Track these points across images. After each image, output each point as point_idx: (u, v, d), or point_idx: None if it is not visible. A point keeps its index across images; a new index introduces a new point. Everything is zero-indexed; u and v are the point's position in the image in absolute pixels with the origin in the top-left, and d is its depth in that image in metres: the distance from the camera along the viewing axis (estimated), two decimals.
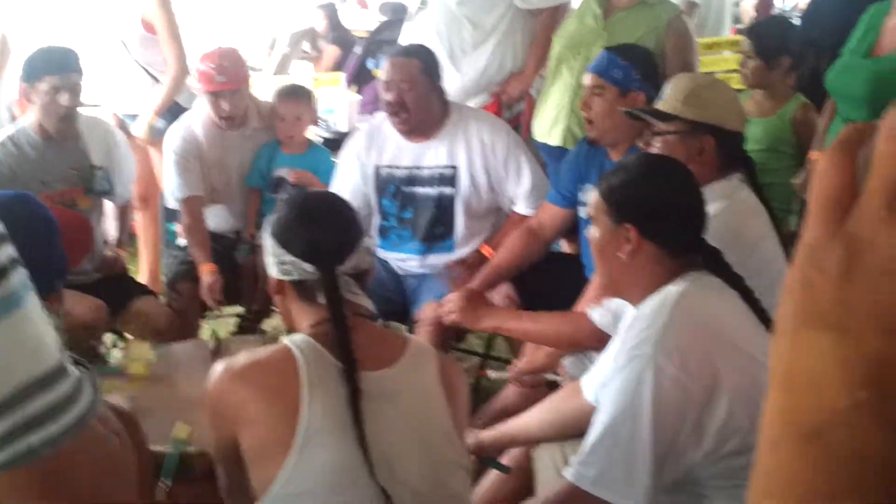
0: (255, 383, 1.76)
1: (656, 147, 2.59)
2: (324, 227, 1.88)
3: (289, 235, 1.87)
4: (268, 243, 1.91)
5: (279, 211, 1.95)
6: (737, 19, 7.78)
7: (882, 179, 0.42)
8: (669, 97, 2.67)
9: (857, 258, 0.42)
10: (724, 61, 5.27)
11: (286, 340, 1.82)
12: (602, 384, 2.05)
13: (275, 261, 1.88)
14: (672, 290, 1.95)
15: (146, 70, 4.66)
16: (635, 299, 2.04)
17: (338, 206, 2.00)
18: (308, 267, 1.83)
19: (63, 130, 3.58)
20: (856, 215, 0.43)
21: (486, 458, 2.46)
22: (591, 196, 2.12)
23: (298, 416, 1.71)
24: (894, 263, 0.41)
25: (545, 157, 4.22)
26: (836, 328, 0.43)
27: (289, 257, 1.85)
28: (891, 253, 0.41)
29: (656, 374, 1.83)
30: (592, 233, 2.11)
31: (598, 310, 2.47)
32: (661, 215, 2.03)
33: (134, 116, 4.66)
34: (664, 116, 2.63)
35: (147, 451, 1.77)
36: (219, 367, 1.80)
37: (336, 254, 1.85)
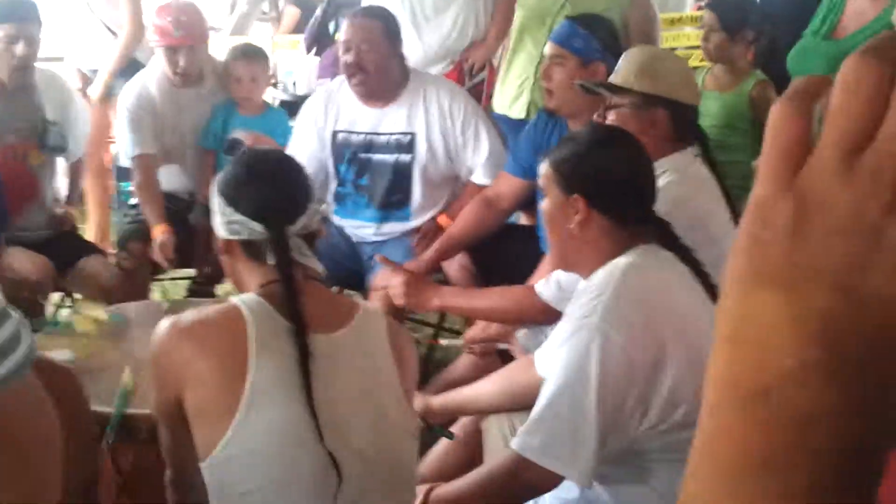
0: (201, 341, 1.73)
1: (610, 120, 2.59)
2: (273, 186, 1.85)
3: (237, 194, 1.83)
4: (216, 202, 1.86)
5: (228, 169, 1.91)
6: None
7: (836, 132, 0.41)
8: (623, 70, 2.67)
9: (808, 215, 0.41)
10: (685, 37, 5.28)
11: (235, 299, 1.78)
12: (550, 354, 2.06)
13: (223, 220, 1.84)
14: (621, 261, 1.96)
15: (108, 27, 4.57)
16: (585, 272, 2.04)
17: (288, 165, 1.96)
18: (257, 226, 1.80)
19: (18, 81, 3.52)
20: (808, 171, 0.41)
21: (432, 424, 2.46)
22: (541, 167, 2.11)
23: (246, 376, 1.68)
24: (847, 221, 0.40)
25: (505, 128, 4.19)
26: (785, 286, 0.41)
27: (237, 216, 1.81)
28: (843, 211, 0.40)
29: (603, 344, 1.84)
30: (543, 204, 2.11)
31: (544, 284, 2.46)
32: (609, 186, 2.03)
33: (97, 72, 4.59)
34: (617, 90, 2.63)
35: (87, 410, 1.73)
36: (165, 324, 1.76)
37: (285, 213, 1.81)
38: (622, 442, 1.89)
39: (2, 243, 1.71)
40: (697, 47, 4.30)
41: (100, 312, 3.00)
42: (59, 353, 2.57)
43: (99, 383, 2.37)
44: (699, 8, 6.52)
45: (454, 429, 2.51)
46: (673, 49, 4.54)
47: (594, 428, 1.83)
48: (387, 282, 2.94)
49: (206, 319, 1.77)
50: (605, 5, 3.73)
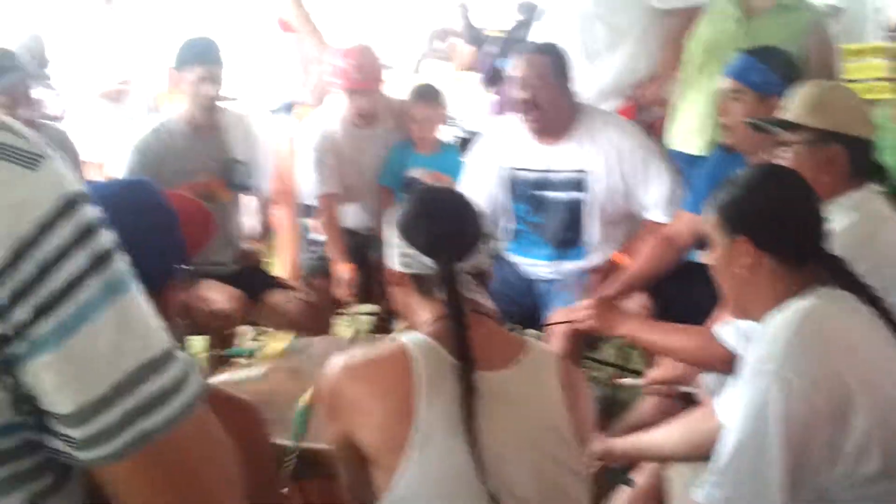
0: (369, 380, 1.76)
1: (783, 158, 2.51)
2: (446, 222, 1.88)
3: (411, 228, 1.87)
4: (391, 234, 1.91)
5: (404, 204, 1.95)
6: (882, 26, 7.45)
7: None
8: (795, 105, 2.57)
9: None
10: (870, 68, 5.07)
11: (403, 338, 1.81)
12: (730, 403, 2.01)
13: (396, 252, 1.88)
14: (799, 304, 1.90)
15: (283, 67, 4.77)
16: (759, 316, 1.99)
17: (461, 202, 1.97)
18: (428, 261, 1.83)
19: (207, 121, 3.71)
20: None
21: (612, 468, 2.44)
22: (705, 216, 2.08)
23: (413, 416, 1.69)
24: None
25: (682, 165, 4.13)
26: None
27: (410, 250, 1.85)
28: None
29: (783, 390, 1.78)
30: (711, 253, 2.07)
31: (723, 328, 2.41)
32: (774, 224, 1.98)
33: (274, 110, 4.79)
34: (789, 126, 2.54)
35: (267, 444, 1.79)
36: (334, 363, 1.80)
37: (456, 249, 1.84)
38: (813, 492, 1.82)
39: (187, 276, 1.77)
40: (884, 79, 4.13)
41: (285, 338, 3.14)
42: (252, 371, 2.70)
43: (277, 414, 2.43)
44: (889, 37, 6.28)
45: (636, 476, 2.48)
46: (855, 81, 4.37)
47: (779, 477, 1.77)
48: (570, 313, 2.93)
49: (375, 359, 1.79)
50: (783, 36, 3.64)
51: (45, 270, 0.82)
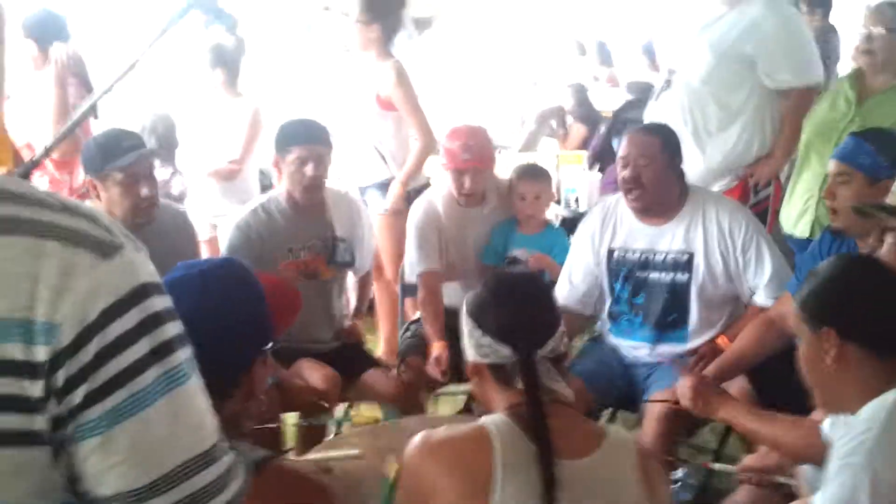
0: (448, 459, 1.74)
1: (888, 243, 2.40)
2: (520, 308, 1.86)
3: (485, 316, 1.85)
4: (465, 323, 1.89)
5: (478, 291, 1.94)
6: None
7: None
8: None
9: None
10: None
11: (484, 419, 1.79)
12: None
13: (472, 342, 1.87)
14: (890, 395, 1.82)
15: (377, 148, 4.83)
16: (850, 409, 1.91)
17: (536, 286, 1.97)
18: (504, 350, 1.81)
19: (310, 200, 3.75)
20: None
21: None
22: (792, 310, 2.05)
23: (489, 498, 1.67)
24: None
25: (793, 248, 4.02)
26: None
27: (486, 339, 1.83)
28: None
29: (871, 485, 1.71)
30: (799, 349, 2.00)
31: (833, 423, 2.29)
32: (858, 313, 1.93)
33: (365, 189, 4.85)
34: (894, 211, 2.43)
35: None
36: (416, 440, 1.80)
37: (534, 336, 1.82)
38: None
39: (274, 352, 1.80)
40: None
41: (376, 412, 3.10)
42: (347, 450, 2.69)
43: (368, 491, 2.40)
44: None
45: None
46: None
47: None
48: (670, 394, 2.83)
49: (454, 437, 1.78)
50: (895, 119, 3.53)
51: (104, 356, 0.84)
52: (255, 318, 1.78)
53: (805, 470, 2.54)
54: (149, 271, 0.90)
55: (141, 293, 0.87)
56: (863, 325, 1.91)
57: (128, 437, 0.84)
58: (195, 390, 0.90)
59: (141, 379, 0.85)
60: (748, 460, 2.81)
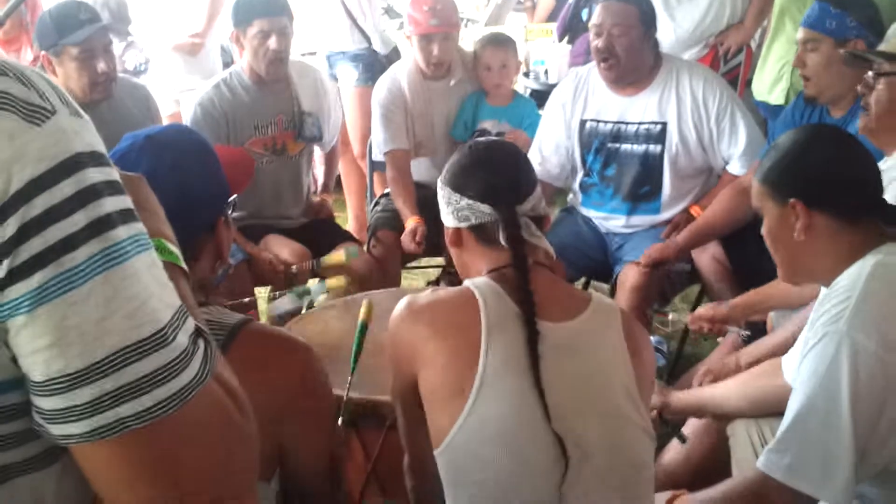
0: (435, 322, 1.74)
1: (878, 88, 2.36)
2: (499, 169, 1.85)
3: (464, 179, 1.84)
4: (443, 193, 1.88)
5: (452, 160, 1.91)
6: None
7: None
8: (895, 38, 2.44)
9: None
10: None
11: (468, 283, 1.78)
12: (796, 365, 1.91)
13: (451, 209, 1.85)
14: (868, 260, 1.80)
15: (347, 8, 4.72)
16: (824, 279, 1.90)
17: (512, 151, 1.96)
18: (486, 208, 1.80)
19: (273, 75, 3.65)
20: None
21: (665, 421, 2.37)
22: (752, 186, 2.00)
23: (478, 359, 1.67)
24: None
25: (765, 115, 4.00)
26: None
27: (465, 201, 1.81)
28: None
29: (853, 352, 1.69)
30: (763, 226, 1.98)
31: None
32: (822, 181, 1.89)
33: (335, 59, 4.75)
34: (891, 57, 2.38)
35: (325, 386, 1.75)
36: (401, 305, 1.79)
37: (514, 192, 1.81)
38: (883, 458, 1.72)
39: (233, 211, 1.80)
40: None
41: (339, 256, 3.27)
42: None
43: (336, 365, 2.40)
44: None
45: (685, 429, 2.42)
46: None
47: (849, 444, 1.68)
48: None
49: (440, 300, 1.77)
50: None
51: (28, 230, 0.77)
52: (210, 175, 1.77)
53: (771, 314, 2.59)
54: (85, 140, 0.82)
55: (74, 163, 0.79)
56: (830, 192, 1.88)
57: (53, 319, 0.77)
58: (139, 269, 0.81)
59: (70, 257, 0.78)
60: (699, 310, 2.86)
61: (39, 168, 0.77)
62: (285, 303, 2.99)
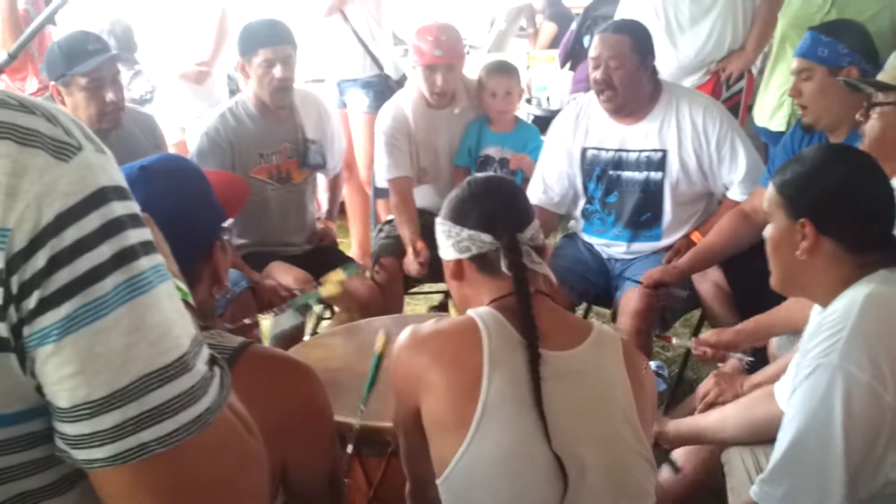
0: (437, 351, 1.75)
1: (872, 118, 2.39)
2: (498, 199, 1.88)
3: (464, 211, 1.86)
4: (442, 228, 1.90)
5: (450, 196, 1.94)
6: None
7: None
8: (891, 67, 2.45)
9: None
10: None
11: (471, 312, 1.80)
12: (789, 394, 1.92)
13: (451, 242, 1.87)
14: (861, 290, 1.81)
15: (359, 38, 4.76)
16: (816, 299, 1.91)
17: (508, 183, 2.01)
18: (487, 237, 1.82)
19: (279, 102, 3.68)
20: None
21: (663, 449, 2.38)
22: (767, 190, 1.99)
23: (479, 389, 1.68)
24: None
25: (766, 141, 4.02)
26: None
27: (466, 232, 1.83)
28: None
29: (846, 384, 1.70)
30: (768, 230, 1.98)
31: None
32: (839, 209, 1.88)
33: (346, 86, 4.78)
34: (884, 87, 2.41)
35: (325, 408, 1.77)
36: (405, 334, 1.81)
37: (514, 220, 1.84)
38: (875, 486, 1.73)
39: (229, 235, 1.83)
40: None
41: (337, 273, 3.28)
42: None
43: (340, 392, 2.42)
44: None
45: (676, 454, 2.43)
46: None
47: (841, 474, 1.70)
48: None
49: (443, 331, 1.79)
50: (874, 9, 3.51)
51: (57, 262, 0.80)
52: (203, 199, 1.80)
53: (773, 340, 2.60)
54: (110, 175, 0.85)
55: (100, 197, 0.83)
56: (844, 221, 1.88)
57: (80, 348, 0.80)
58: (161, 298, 0.85)
59: (98, 287, 0.81)
60: (704, 335, 2.87)
61: (68, 202, 0.81)
62: (287, 319, 3.01)
